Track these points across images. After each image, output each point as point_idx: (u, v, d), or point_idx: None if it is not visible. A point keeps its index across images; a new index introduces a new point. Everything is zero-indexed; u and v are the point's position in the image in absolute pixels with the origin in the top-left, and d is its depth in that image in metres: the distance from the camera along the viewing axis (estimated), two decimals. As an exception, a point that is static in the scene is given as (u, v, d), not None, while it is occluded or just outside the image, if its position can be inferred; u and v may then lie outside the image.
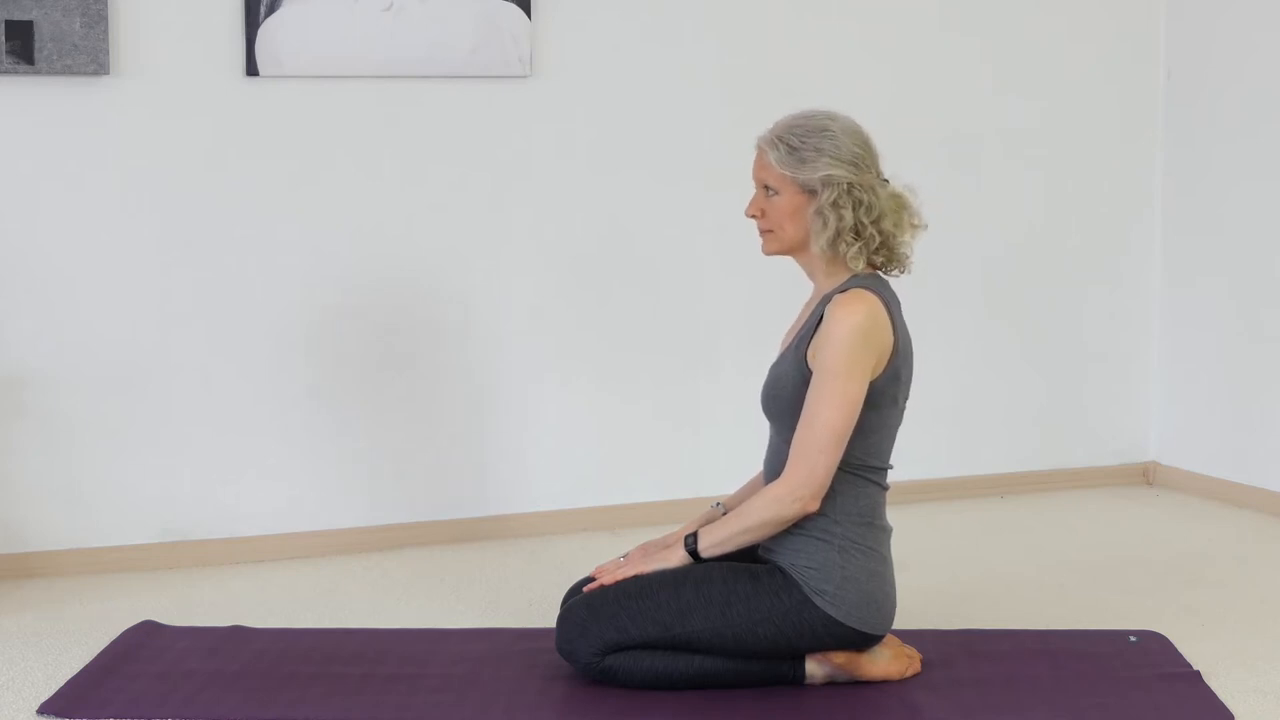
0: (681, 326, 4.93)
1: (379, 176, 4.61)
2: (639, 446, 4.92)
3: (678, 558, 3.44)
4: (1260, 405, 5.09)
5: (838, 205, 3.35)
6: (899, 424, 3.47)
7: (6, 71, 4.21)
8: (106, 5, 4.25)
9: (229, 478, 4.55)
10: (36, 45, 4.21)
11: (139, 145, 4.39)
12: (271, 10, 4.42)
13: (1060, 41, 5.27)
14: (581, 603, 3.44)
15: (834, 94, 5.00)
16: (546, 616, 3.83)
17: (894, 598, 3.46)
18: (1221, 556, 4.57)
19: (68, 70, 4.25)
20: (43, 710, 3.35)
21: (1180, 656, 3.65)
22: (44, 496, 4.40)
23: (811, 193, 3.38)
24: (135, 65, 4.35)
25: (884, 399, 3.37)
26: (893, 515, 3.52)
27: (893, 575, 3.47)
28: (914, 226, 3.46)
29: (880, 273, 3.45)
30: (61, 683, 3.51)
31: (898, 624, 3.63)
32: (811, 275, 3.50)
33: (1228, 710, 3.33)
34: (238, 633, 3.85)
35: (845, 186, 3.35)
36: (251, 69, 4.43)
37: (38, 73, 4.23)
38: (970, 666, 3.59)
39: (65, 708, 3.35)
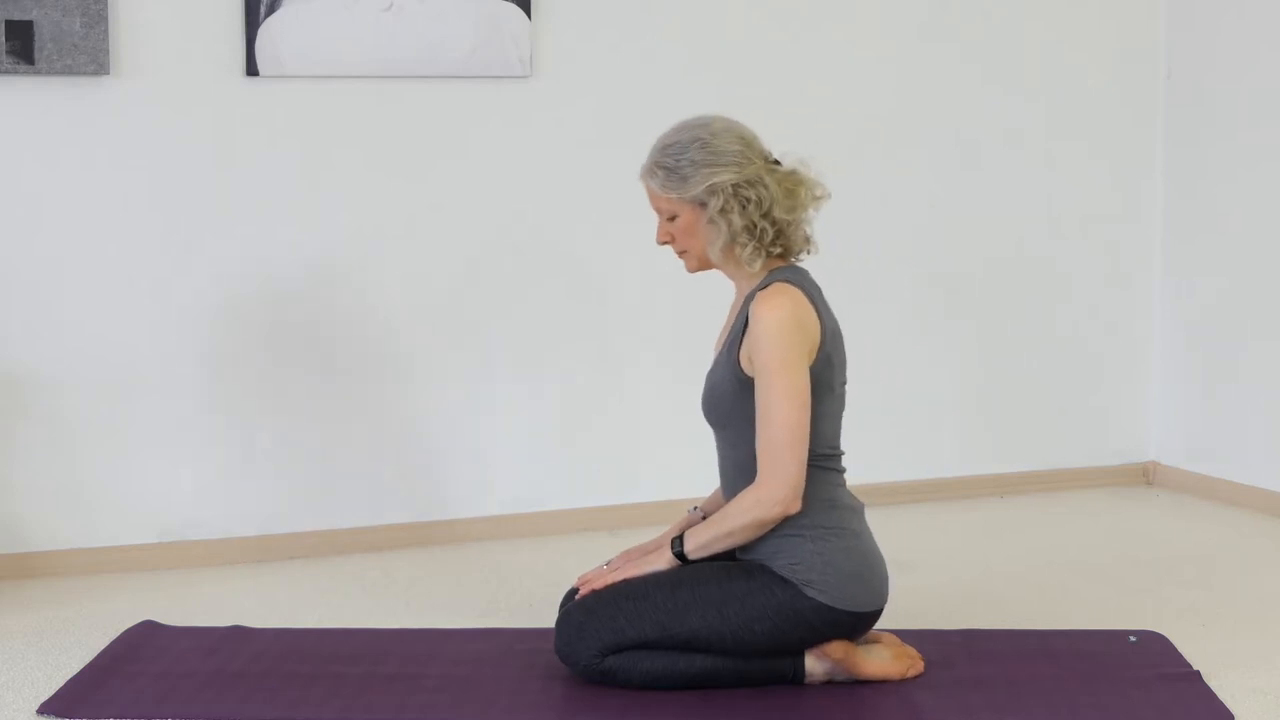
0: (681, 326, 4.92)
1: (379, 177, 4.61)
2: (638, 446, 4.91)
3: (665, 561, 3.45)
4: (1260, 406, 5.08)
5: (725, 211, 3.37)
6: (842, 409, 3.48)
7: (6, 71, 4.21)
8: (106, 5, 4.25)
9: (229, 478, 4.55)
10: (36, 45, 4.21)
11: (139, 145, 4.39)
12: (271, 10, 4.42)
13: (1060, 41, 5.26)
14: (579, 606, 3.44)
15: (833, 94, 5.02)
16: (546, 617, 3.82)
17: (881, 571, 3.45)
18: (1221, 556, 4.57)
19: (68, 70, 4.25)
20: (43, 710, 3.35)
21: (1180, 656, 3.65)
22: (45, 496, 4.40)
23: (702, 205, 3.39)
24: (135, 65, 4.35)
25: (820, 385, 3.37)
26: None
27: (875, 548, 3.45)
28: (816, 199, 3.45)
29: (794, 261, 3.46)
30: (61, 683, 3.51)
31: (898, 624, 3.62)
32: (733, 279, 3.53)
33: (1228, 710, 3.33)
34: (238, 633, 3.85)
35: (730, 190, 3.36)
36: (251, 69, 4.43)
37: (38, 73, 4.23)
38: (970, 666, 3.59)
39: (65, 708, 3.35)
